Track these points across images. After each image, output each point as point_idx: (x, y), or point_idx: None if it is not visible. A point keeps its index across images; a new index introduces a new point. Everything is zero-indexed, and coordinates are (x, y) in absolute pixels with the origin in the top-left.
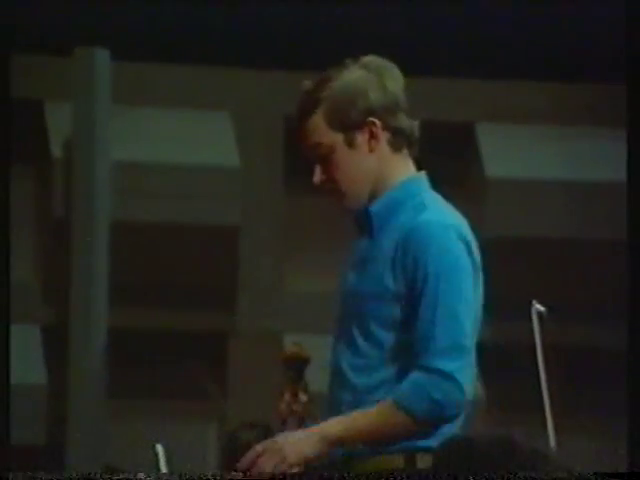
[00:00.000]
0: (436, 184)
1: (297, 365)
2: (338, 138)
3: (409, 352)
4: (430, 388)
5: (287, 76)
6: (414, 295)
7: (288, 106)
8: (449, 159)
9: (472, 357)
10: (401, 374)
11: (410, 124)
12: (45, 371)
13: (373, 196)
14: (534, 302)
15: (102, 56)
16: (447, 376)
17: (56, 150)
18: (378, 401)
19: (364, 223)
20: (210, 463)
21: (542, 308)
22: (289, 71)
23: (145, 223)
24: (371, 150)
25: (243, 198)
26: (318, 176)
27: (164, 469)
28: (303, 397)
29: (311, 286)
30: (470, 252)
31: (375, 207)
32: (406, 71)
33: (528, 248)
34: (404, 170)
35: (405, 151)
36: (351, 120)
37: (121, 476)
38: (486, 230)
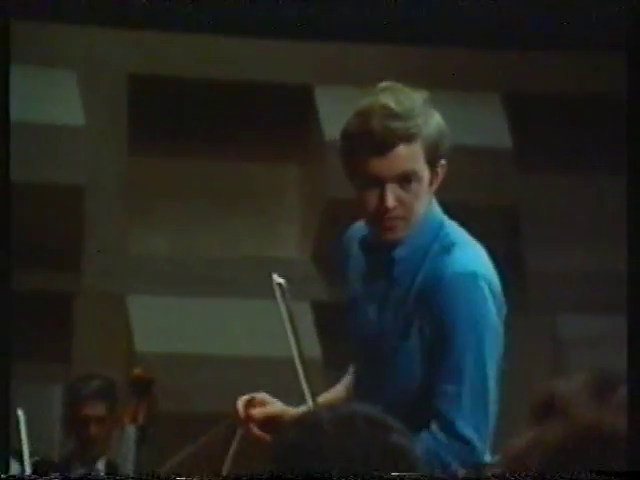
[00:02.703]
0: (279, 146)
1: (141, 386)
2: (426, 172)
3: (430, 399)
4: (444, 451)
5: (131, 35)
6: (441, 347)
7: (132, 65)
8: (287, 122)
9: (492, 421)
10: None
11: None
12: None
13: None
14: (273, 275)
15: None
16: (467, 443)
17: None
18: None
19: (387, 265)
20: (57, 426)
21: (281, 280)
22: (133, 29)
23: None
24: (432, 190)
25: (88, 158)
26: (393, 201)
27: (24, 434)
28: (140, 418)
29: (155, 248)
30: (497, 304)
31: (400, 252)
32: (246, 32)
33: None
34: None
35: None
36: (438, 158)
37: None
38: (329, 189)
